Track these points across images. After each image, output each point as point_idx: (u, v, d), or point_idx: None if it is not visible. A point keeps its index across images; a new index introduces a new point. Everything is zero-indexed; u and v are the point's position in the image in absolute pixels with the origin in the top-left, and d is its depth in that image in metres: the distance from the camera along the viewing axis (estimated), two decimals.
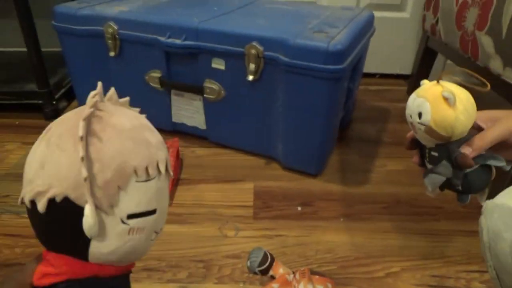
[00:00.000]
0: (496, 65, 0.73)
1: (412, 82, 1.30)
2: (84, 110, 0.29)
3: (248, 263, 0.52)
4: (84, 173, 0.27)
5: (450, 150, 0.46)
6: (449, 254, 0.69)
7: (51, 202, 0.28)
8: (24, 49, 1.03)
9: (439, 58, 1.27)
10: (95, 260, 0.31)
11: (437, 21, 1.04)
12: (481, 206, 0.39)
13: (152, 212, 0.32)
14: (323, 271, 0.65)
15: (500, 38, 0.71)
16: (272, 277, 0.52)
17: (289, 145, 0.86)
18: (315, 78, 0.75)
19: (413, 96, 0.46)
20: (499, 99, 0.76)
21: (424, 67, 1.25)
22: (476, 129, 0.47)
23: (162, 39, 0.87)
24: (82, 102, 1.10)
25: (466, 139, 0.45)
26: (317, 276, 0.52)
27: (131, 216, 0.30)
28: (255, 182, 0.86)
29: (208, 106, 0.93)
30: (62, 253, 0.31)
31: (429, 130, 0.44)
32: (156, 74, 0.93)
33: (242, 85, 0.85)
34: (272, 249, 0.69)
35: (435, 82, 0.45)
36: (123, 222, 0.30)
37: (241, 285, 0.62)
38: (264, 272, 0.52)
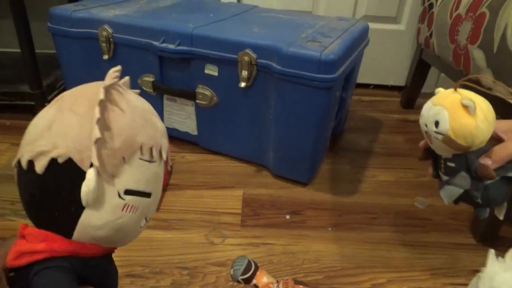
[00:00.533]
0: (488, 80, 0.73)
1: (406, 93, 1.31)
2: (105, 81, 0.30)
3: (232, 271, 0.52)
4: (97, 134, 0.27)
5: (468, 161, 0.43)
6: (436, 267, 0.69)
7: (52, 162, 0.28)
8: (18, 50, 1.03)
9: (433, 71, 1.28)
10: (80, 236, 0.30)
11: (431, 34, 1.04)
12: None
13: (148, 194, 0.32)
14: (309, 281, 0.65)
15: (492, 52, 0.71)
16: (256, 286, 0.51)
17: (280, 153, 0.86)
18: (308, 87, 0.75)
19: (428, 104, 0.44)
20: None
21: (417, 79, 1.26)
22: (495, 139, 0.44)
23: (156, 43, 0.87)
24: None
25: (485, 150, 0.43)
26: (301, 286, 0.51)
27: (128, 192, 0.30)
28: (244, 189, 0.86)
29: (200, 112, 0.93)
30: (46, 226, 0.30)
31: (447, 140, 0.42)
32: (149, 78, 0.93)
33: (234, 92, 0.85)
34: (258, 257, 0.68)
35: (452, 90, 0.43)
36: (119, 196, 0.30)
37: None
38: (247, 280, 0.51)
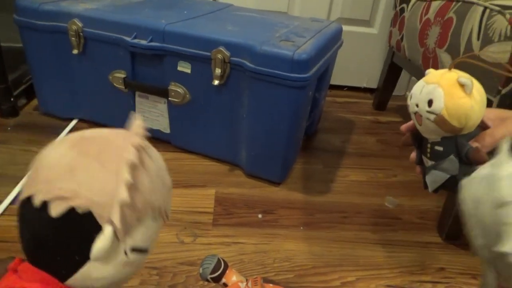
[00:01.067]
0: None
1: (378, 96, 1.33)
2: (134, 137, 0.30)
3: (201, 270, 0.51)
4: (125, 196, 0.27)
5: (458, 144, 0.41)
6: (404, 265, 0.70)
7: (70, 210, 0.27)
8: None
9: (404, 74, 1.31)
10: (74, 283, 0.30)
11: (402, 38, 1.07)
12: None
13: (146, 251, 0.32)
14: (280, 280, 0.65)
15: (458, 56, 0.74)
16: (225, 285, 0.51)
17: (253, 152, 0.86)
18: (280, 86, 0.76)
19: (420, 83, 0.42)
20: None
21: (389, 82, 1.28)
22: (481, 126, 0.43)
23: (127, 39, 0.85)
24: (43, 100, 1.07)
25: (474, 135, 0.41)
26: (270, 285, 0.51)
27: (133, 250, 0.30)
28: (217, 189, 0.85)
29: (173, 110, 0.91)
30: (42, 266, 0.29)
31: (440, 120, 0.39)
32: (121, 74, 0.91)
33: (207, 90, 0.84)
34: (229, 256, 0.68)
35: (445, 70, 0.41)
36: (125, 253, 0.30)
37: None
38: (217, 279, 0.51)
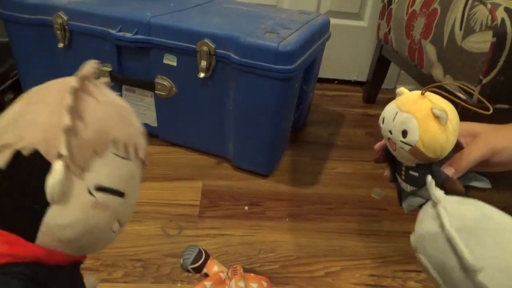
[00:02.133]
0: (437, 72, 0.76)
1: (367, 89, 1.34)
2: (82, 71, 0.29)
3: (181, 260, 0.51)
4: (67, 121, 0.25)
5: (434, 173, 0.40)
6: (388, 254, 0.71)
7: (16, 156, 0.26)
8: None
9: (393, 67, 1.31)
10: (44, 238, 0.27)
11: (389, 30, 1.07)
12: None
13: (121, 194, 0.30)
14: (265, 270, 0.65)
15: (442, 46, 0.74)
16: (206, 275, 0.51)
17: (240, 144, 0.86)
18: (265, 78, 0.75)
19: (393, 108, 0.40)
20: None
21: (378, 75, 1.29)
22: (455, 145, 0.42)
23: (112, 32, 0.84)
24: None
25: (447, 158, 0.41)
26: (252, 274, 0.51)
27: (99, 189, 0.28)
28: (204, 181, 0.85)
29: (160, 103, 0.91)
30: (7, 227, 0.27)
31: (415, 151, 0.38)
32: (107, 68, 0.90)
33: (194, 83, 0.84)
34: (215, 248, 0.68)
35: (419, 93, 0.39)
36: (89, 192, 0.27)
37: (179, 284, 0.61)
38: (198, 270, 0.51)
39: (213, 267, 0.51)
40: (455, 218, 0.31)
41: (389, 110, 0.41)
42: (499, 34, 0.58)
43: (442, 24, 0.74)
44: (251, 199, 0.82)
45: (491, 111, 0.38)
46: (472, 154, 0.41)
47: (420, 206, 0.43)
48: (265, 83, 0.76)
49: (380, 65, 1.25)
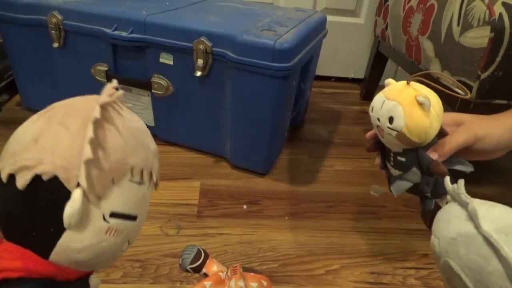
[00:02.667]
0: (435, 68, 0.75)
1: (365, 86, 1.33)
2: (102, 97, 0.28)
3: (180, 261, 0.51)
4: (89, 154, 0.25)
5: (419, 156, 0.44)
6: (388, 252, 0.70)
7: (36, 179, 0.26)
8: None
9: (391, 63, 1.31)
10: (57, 258, 0.28)
11: (386, 27, 1.07)
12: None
13: (134, 217, 0.30)
14: (264, 269, 0.64)
15: (439, 42, 0.73)
16: (205, 275, 0.51)
17: (237, 143, 0.85)
18: (263, 76, 0.75)
19: (380, 97, 0.43)
20: None
21: (375, 72, 1.28)
22: (440, 132, 0.45)
23: (108, 31, 0.83)
24: (25, 95, 1.05)
25: (432, 143, 0.44)
26: (251, 273, 0.51)
27: (114, 215, 0.28)
28: (202, 181, 0.85)
29: (157, 102, 0.90)
30: (21, 244, 0.28)
31: (401, 136, 0.41)
32: (103, 67, 0.90)
33: (190, 81, 0.83)
34: (213, 247, 0.68)
35: (404, 83, 0.42)
36: (104, 219, 0.28)
37: (178, 284, 0.60)
38: (197, 270, 0.50)
39: (213, 267, 0.51)
40: (489, 220, 0.30)
41: (377, 99, 0.44)
42: (497, 29, 0.58)
43: (439, 20, 0.74)
44: (250, 197, 0.81)
45: (469, 96, 0.43)
46: (455, 140, 0.44)
47: (410, 189, 0.47)
48: (262, 81, 0.76)
49: (377, 62, 1.25)
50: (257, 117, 0.80)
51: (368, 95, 1.33)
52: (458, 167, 0.45)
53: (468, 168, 0.46)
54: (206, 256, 0.52)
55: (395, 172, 0.48)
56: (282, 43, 0.73)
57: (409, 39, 0.89)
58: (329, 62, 1.42)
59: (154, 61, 0.84)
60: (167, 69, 0.84)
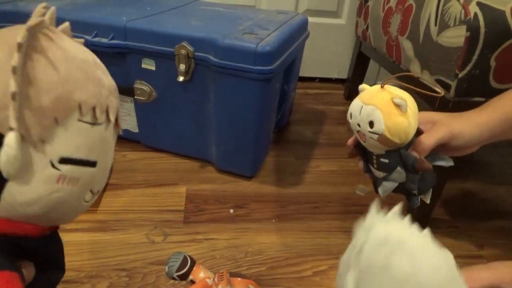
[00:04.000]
0: (415, 68, 0.77)
1: (348, 86, 1.35)
2: (30, 20, 0.24)
3: (166, 268, 0.50)
4: (13, 86, 0.22)
5: (402, 156, 0.45)
6: None
7: None
8: None
9: (374, 63, 1.32)
10: (7, 213, 0.25)
11: (367, 27, 1.08)
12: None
13: (92, 163, 0.27)
14: (252, 273, 0.64)
15: (418, 42, 0.75)
16: (192, 282, 0.50)
17: (222, 147, 0.85)
18: (245, 79, 0.75)
19: (358, 103, 0.43)
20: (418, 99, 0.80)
21: (358, 72, 1.30)
22: (416, 131, 0.46)
23: (88, 37, 0.82)
24: None
25: (411, 142, 0.45)
26: (238, 279, 0.51)
27: (64, 161, 0.25)
28: (187, 186, 0.84)
29: (140, 108, 0.90)
30: None
31: (383, 139, 0.42)
32: None
33: (173, 86, 0.83)
34: (201, 253, 0.67)
35: (378, 87, 0.43)
36: (53, 165, 0.25)
37: None
38: (183, 277, 0.50)
39: (199, 274, 0.51)
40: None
41: (355, 105, 0.44)
42: (473, 28, 0.59)
43: (417, 20, 0.75)
44: (236, 201, 0.81)
45: (442, 93, 0.44)
46: (432, 137, 0.45)
47: (396, 189, 0.47)
48: (245, 85, 0.76)
49: (360, 62, 1.26)
50: (241, 120, 0.80)
51: (351, 95, 1.34)
52: (440, 163, 0.47)
53: (449, 163, 0.47)
54: (193, 263, 0.51)
55: (379, 174, 0.48)
56: (263, 46, 0.73)
57: (389, 39, 0.90)
58: (313, 63, 1.43)
59: (136, 67, 0.84)
60: (149, 75, 0.84)
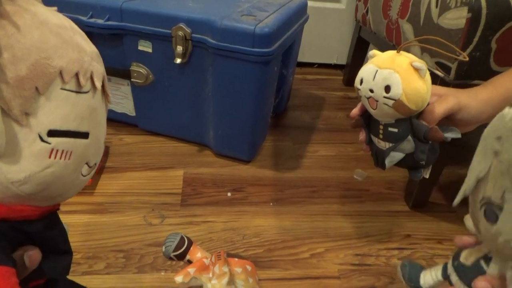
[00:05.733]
0: (415, 51, 0.76)
1: (347, 71, 1.34)
2: None
3: (163, 248, 0.50)
4: None
5: (414, 125, 0.43)
6: (372, 234, 0.71)
7: None
8: None
9: (372, 48, 1.31)
10: (1, 195, 0.24)
11: (367, 11, 1.06)
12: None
13: (84, 135, 0.26)
14: (249, 255, 0.65)
15: (419, 25, 0.74)
16: (189, 262, 0.50)
17: (220, 131, 0.85)
18: (243, 61, 0.74)
19: (372, 68, 0.41)
20: None
21: (358, 57, 1.28)
22: None
23: (83, 18, 0.81)
24: None
25: (420, 112, 0.43)
26: (236, 259, 0.51)
27: (54, 133, 0.24)
28: (185, 169, 0.84)
29: (137, 91, 0.89)
30: None
31: (399, 105, 0.39)
32: None
33: (170, 69, 0.82)
34: (198, 235, 0.67)
35: (393, 52, 0.41)
36: (42, 139, 0.23)
37: (163, 273, 0.60)
38: (180, 257, 0.50)
39: (196, 254, 0.51)
40: None
41: (368, 70, 0.42)
42: (474, 9, 0.58)
43: (418, 3, 0.74)
44: (234, 185, 0.81)
45: (467, 59, 0.43)
46: (442, 106, 0.44)
47: (401, 161, 0.46)
48: (243, 67, 0.75)
49: (359, 47, 1.25)
50: (239, 103, 0.79)
51: (351, 81, 1.33)
52: (450, 135, 0.45)
53: (457, 135, 0.46)
54: (190, 243, 0.51)
55: (384, 145, 0.46)
56: (262, 28, 0.72)
57: (389, 22, 0.89)
58: (312, 49, 1.41)
59: (133, 49, 0.83)
60: (146, 57, 0.83)
